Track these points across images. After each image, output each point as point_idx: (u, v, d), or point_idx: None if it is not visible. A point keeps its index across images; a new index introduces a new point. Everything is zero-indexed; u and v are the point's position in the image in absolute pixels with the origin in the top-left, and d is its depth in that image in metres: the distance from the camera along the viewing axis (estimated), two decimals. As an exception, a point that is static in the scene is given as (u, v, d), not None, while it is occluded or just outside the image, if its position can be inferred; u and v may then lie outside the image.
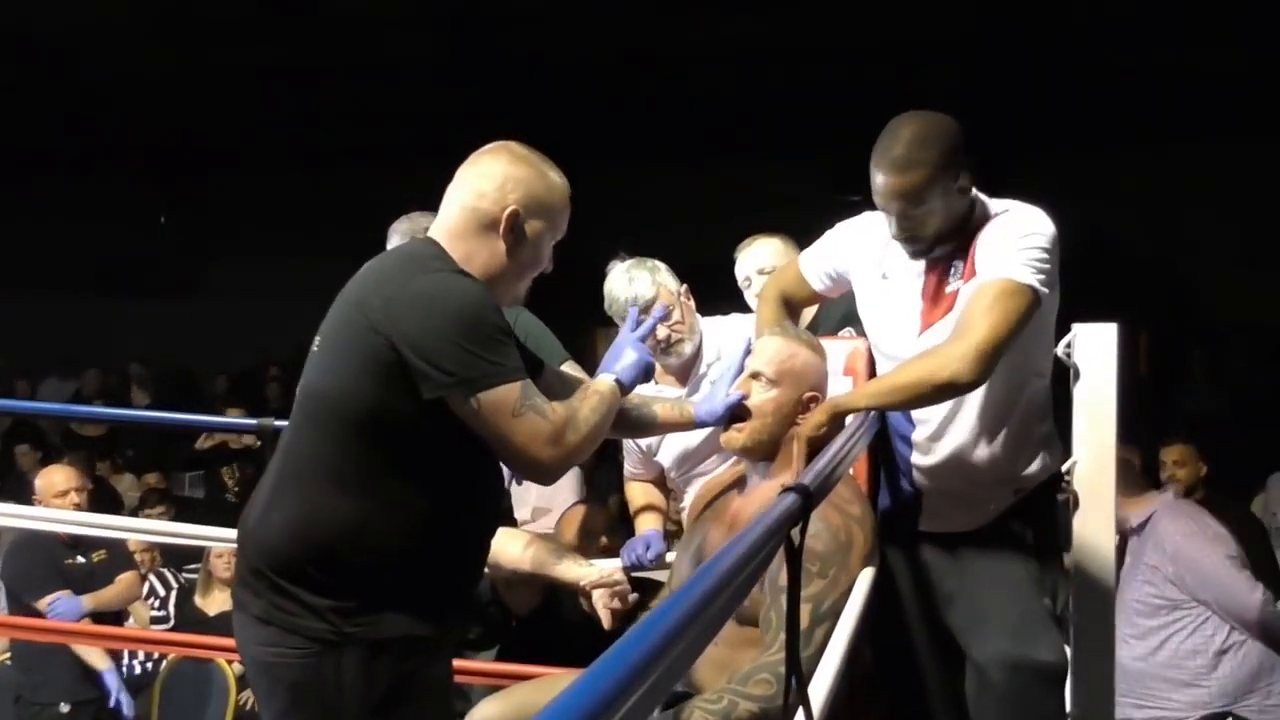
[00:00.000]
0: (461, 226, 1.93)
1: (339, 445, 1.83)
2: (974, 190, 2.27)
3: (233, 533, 4.54)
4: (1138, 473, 4.06)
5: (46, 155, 11.61)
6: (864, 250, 2.38)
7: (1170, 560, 3.79)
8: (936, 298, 2.28)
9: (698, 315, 3.06)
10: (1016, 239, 2.17)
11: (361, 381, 1.81)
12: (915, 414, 2.37)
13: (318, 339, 1.94)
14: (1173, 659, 3.81)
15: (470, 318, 1.79)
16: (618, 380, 2.06)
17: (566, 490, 4.52)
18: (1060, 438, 2.48)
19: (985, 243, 2.21)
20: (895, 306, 2.35)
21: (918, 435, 2.38)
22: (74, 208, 11.93)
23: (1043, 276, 2.14)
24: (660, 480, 3.17)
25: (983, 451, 2.32)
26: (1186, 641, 3.80)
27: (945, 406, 2.30)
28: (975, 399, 2.27)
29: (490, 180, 1.93)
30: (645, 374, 2.13)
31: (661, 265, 3.01)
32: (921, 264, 2.29)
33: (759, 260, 3.16)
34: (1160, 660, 3.83)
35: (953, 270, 2.27)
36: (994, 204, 2.30)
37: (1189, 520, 3.88)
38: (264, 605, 1.83)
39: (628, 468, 3.23)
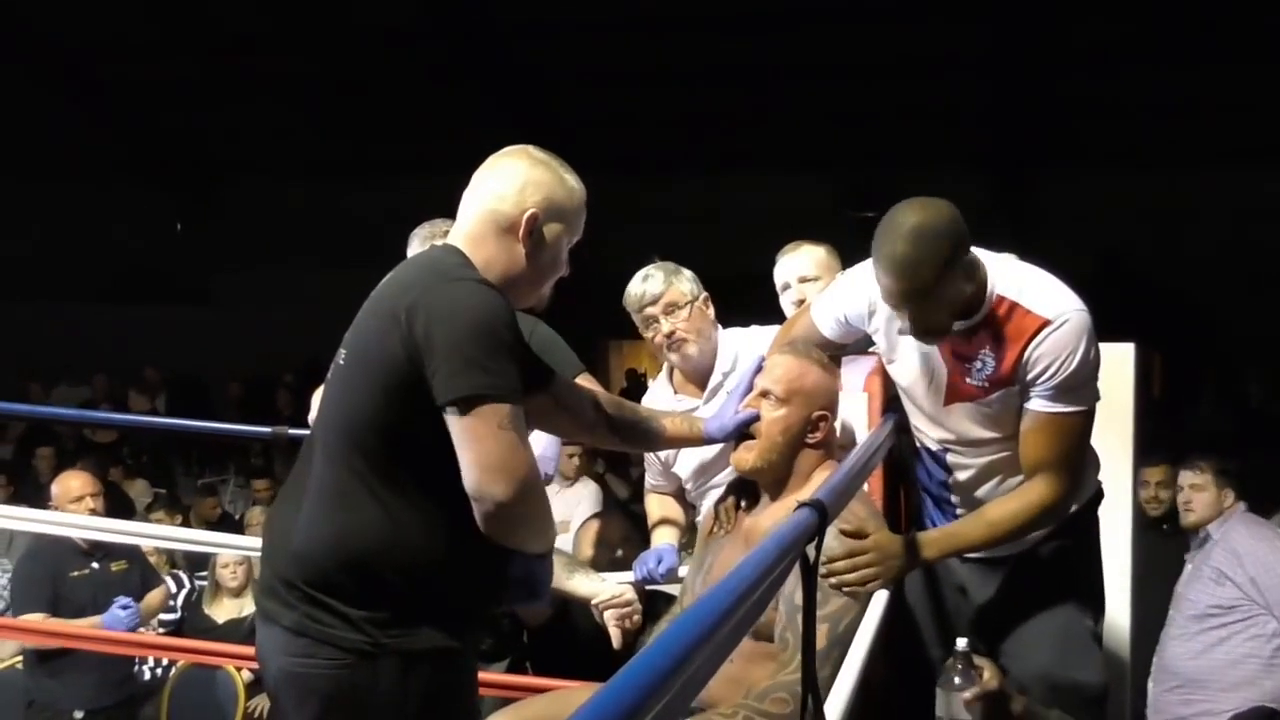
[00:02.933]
0: (480, 230, 1.92)
1: (371, 458, 1.82)
2: (979, 261, 2.19)
3: (236, 538, 4.58)
4: (1215, 485, 4.09)
5: (62, 162, 11.67)
6: (878, 300, 2.30)
7: (1242, 564, 3.81)
8: (960, 379, 2.25)
9: (717, 326, 3.07)
10: (1066, 373, 2.14)
11: (392, 395, 1.80)
12: (950, 460, 2.37)
13: (343, 352, 1.93)
14: (1225, 662, 3.80)
15: (483, 328, 1.78)
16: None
17: (588, 502, 4.54)
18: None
19: (1035, 364, 2.15)
20: (919, 362, 2.32)
21: (954, 478, 2.38)
22: (89, 215, 11.98)
23: (1094, 391, 2.19)
24: (680, 493, 3.17)
25: (1016, 477, 2.30)
26: (1242, 645, 3.79)
27: (982, 457, 2.31)
28: (1010, 452, 2.27)
29: (509, 184, 1.92)
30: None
31: (686, 271, 3.03)
32: None
33: (800, 268, 3.11)
34: (1212, 662, 3.83)
35: (980, 363, 2.21)
36: (1004, 280, 2.19)
37: (1262, 528, 3.97)
38: (296, 617, 1.82)
39: (649, 479, 3.23)
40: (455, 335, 1.76)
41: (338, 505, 1.84)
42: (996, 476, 2.33)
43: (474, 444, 1.75)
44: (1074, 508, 2.34)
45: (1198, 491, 4.06)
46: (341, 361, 1.92)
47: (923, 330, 2.16)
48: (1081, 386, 2.16)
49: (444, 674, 1.87)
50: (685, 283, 3.00)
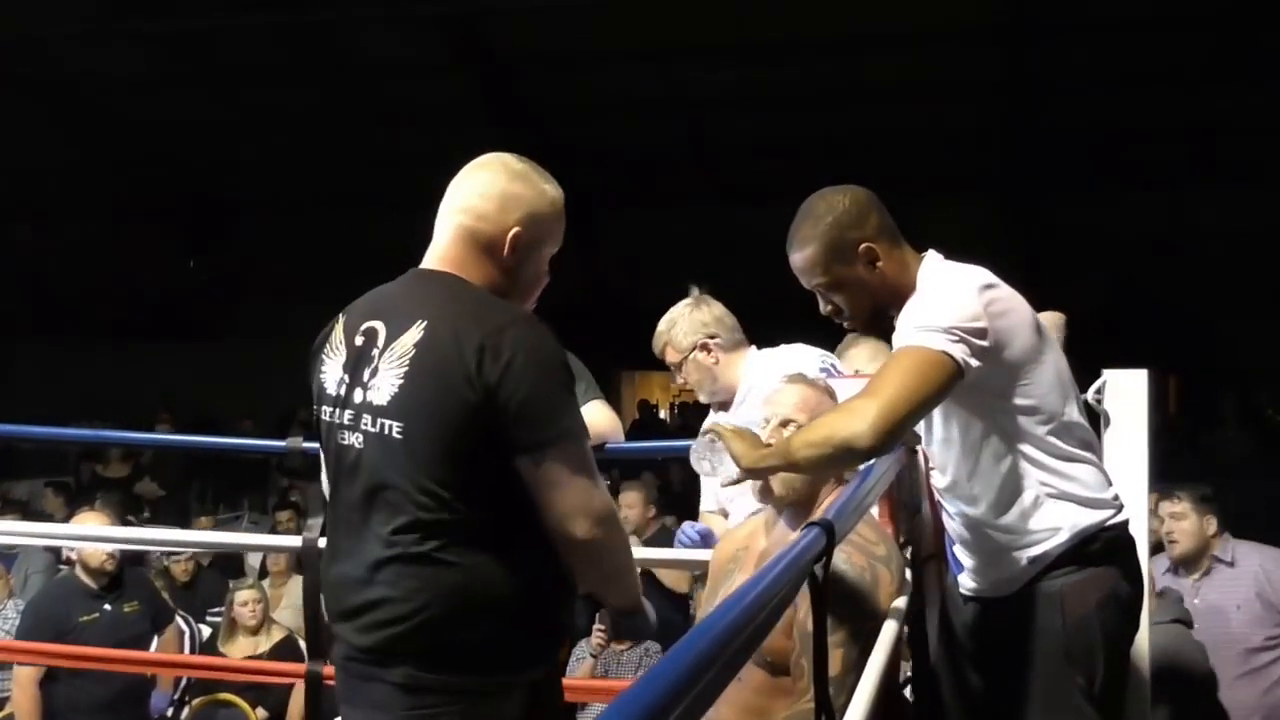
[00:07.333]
0: (463, 253, 1.85)
1: (444, 523, 1.74)
2: (925, 259, 2.17)
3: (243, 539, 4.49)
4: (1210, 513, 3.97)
5: (77, 199, 11.75)
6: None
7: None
8: None
9: (720, 359, 3.06)
10: (927, 309, 2.04)
11: (467, 448, 1.73)
12: (934, 462, 2.29)
13: (389, 422, 1.82)
14: None
15: (561, 369, 1.76)
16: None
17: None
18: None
19: (904, 310, 2.11)
20: None
21: (936, 483, 2.33)
22: (103, 251, 12.04)
23: (962, 346, 1.97)
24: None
25: (980, 501, 2.18)
26: None
27: (952, 462, 2.19)
28: (960, 447, 2.16)
29: (488, 201, 1.85)
30: None
31: (688, 320, 3.05)
32: None
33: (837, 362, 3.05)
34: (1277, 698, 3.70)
35: None
36: (925, 271, 2.16)
37: (1273, 550, 3.91)
38: (405, 672, 1.74)
39: (703, 506, 3.22)
40: (542, 380, 1.72)
41: (417, 569, 1.75)
42: (958, 471, 2.20)
43: (556, 488, 1.71)
44: (1046, 546, 2.13)
45: (1179, 520, 3.93)
46: (395, 433, 1.78)
47: (832, 314, 2.21)
48: (932, 322, 1.99)
49: (555, 692, 1.90)
50: (681, 337, 3.04)
